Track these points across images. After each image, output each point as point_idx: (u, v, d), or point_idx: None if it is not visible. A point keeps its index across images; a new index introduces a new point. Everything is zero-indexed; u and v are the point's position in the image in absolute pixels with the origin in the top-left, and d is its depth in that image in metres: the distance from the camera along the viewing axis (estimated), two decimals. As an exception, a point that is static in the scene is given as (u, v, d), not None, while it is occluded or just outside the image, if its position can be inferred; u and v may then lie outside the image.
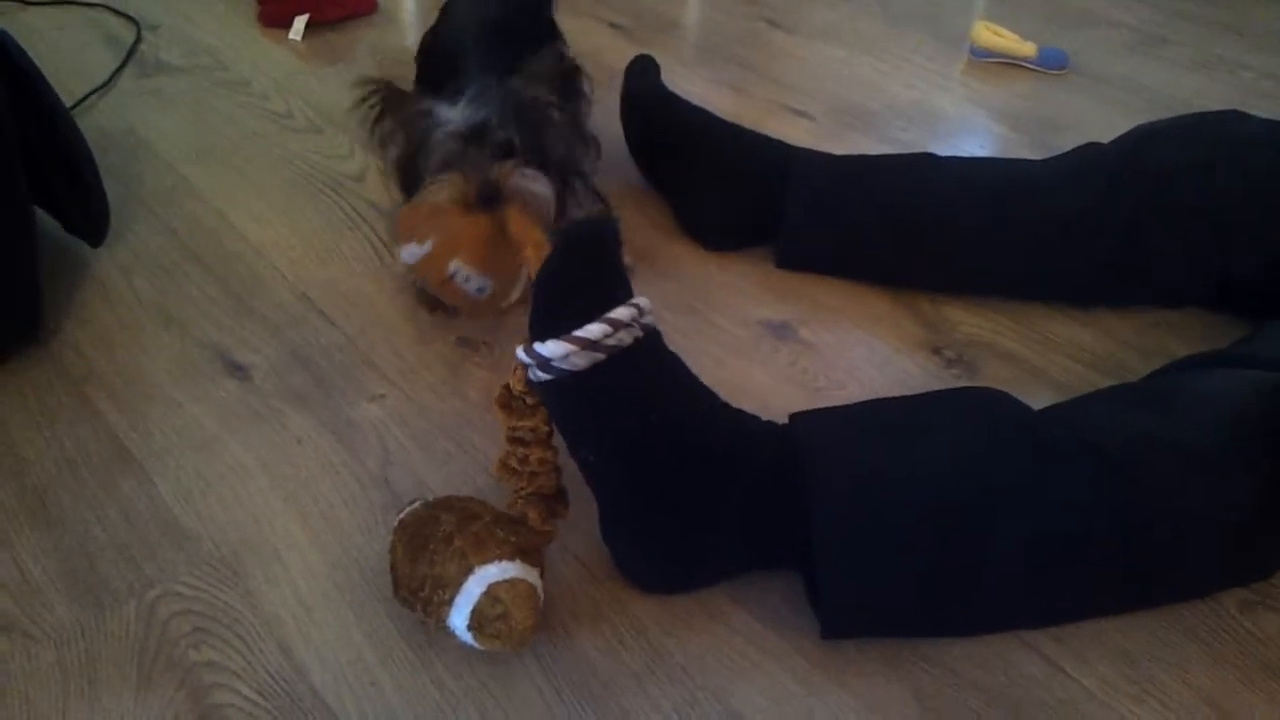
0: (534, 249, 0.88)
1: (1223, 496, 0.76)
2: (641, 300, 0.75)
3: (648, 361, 0.76)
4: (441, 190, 0.94)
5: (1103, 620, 0.78)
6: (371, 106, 1.00)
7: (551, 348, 0.71)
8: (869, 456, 0.76)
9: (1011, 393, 0.82)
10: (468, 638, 0.72)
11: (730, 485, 0.76)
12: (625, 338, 0.73)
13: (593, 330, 0.71)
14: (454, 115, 0.97)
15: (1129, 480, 0.75)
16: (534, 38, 1.22)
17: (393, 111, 1.00)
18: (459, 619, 0.71)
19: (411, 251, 0.95)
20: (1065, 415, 0.83)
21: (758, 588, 0.80)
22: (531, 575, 0.73)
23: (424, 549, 0.73)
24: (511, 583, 0.71)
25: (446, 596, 0.71)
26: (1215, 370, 0.86)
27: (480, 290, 0.96)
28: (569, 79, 1.10)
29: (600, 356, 0.72)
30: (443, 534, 0.73)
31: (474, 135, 0.96)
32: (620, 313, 0.72)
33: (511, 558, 0.72)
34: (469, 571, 0.71)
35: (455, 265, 0.94)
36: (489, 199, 0.93)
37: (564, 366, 0.71)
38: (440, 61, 1.18)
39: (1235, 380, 0.82)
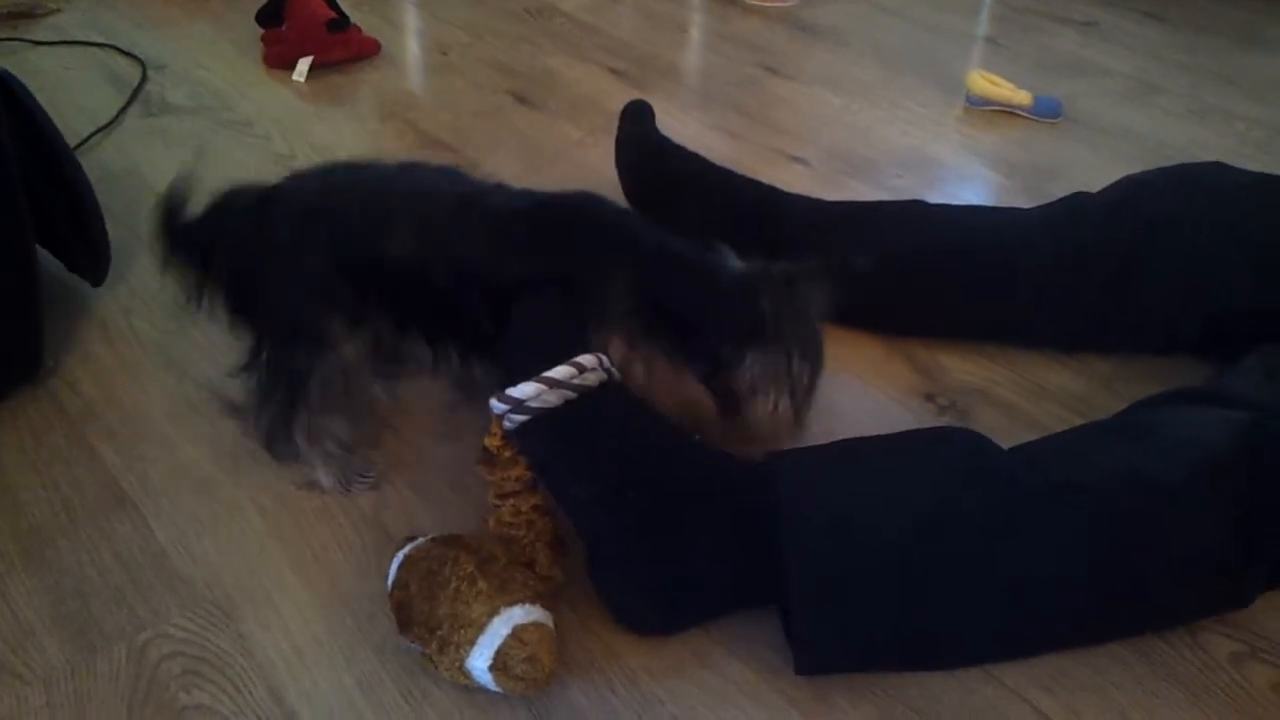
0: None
1: (1197, 531, 0.77)
2: (602, 355, 0.79)
3: (618, 400, 0.81)
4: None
5: (1095, 672, 0.78)
6: None
7: (524, 389, 0.76)
8: (842, 498, 0.78)
9: (1004, 441, 0.83)
10: (487, 679, 0.72)
11: (709, 518, 0.78)
12: (592, 379, 0.78)
13: (560, 371, 0.76)
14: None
15: (1101, 516, 0.77)
16: None
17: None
18: (480, 660, 0.71)
19: None
20: (1038, 453, 0.84)
21: (749, 637, 0.80)
22: (549, 619, 0.74)
23: (444, 587, 0.74)
24: (536, 625, 0.72)
25: (469, 636, 0.72)
26: (1187, 408, 0.87)
27: None
28: None
29: (571, 394, 0.77)
30: (465, 573, 0.74)
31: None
32: (584, 359, 0.77)
33: (534, 601, 0.74)
34: (495, 613, 0.72)
35: None
36: None
37: (537, 405, 0.76)
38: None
39: (1208, 418, 0.84)
